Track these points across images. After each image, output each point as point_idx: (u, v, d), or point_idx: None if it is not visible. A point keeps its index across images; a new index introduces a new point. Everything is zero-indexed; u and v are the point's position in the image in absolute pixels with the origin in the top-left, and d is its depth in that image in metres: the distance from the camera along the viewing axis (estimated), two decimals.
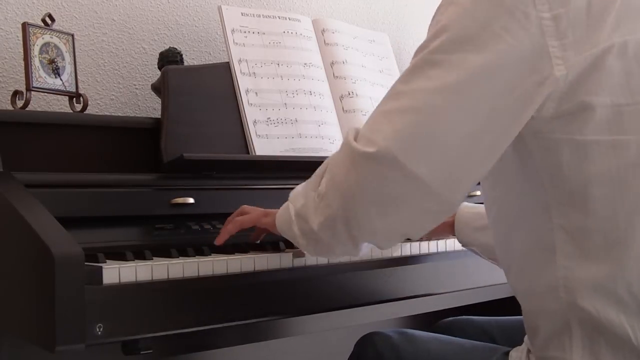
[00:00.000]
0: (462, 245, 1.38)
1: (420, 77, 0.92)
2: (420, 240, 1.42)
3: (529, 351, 1.05)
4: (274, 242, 1.31)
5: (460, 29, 0.90)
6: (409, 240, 1.38)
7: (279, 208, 1.13)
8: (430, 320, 1.52)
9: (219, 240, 1.24)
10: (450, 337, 1.23)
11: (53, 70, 1.44)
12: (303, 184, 1.09)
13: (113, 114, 1.71)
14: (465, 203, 1.37)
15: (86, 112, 1.49)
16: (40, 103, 1.58)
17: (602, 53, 0.89)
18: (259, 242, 1.30)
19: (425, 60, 0.92)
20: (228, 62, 1.57)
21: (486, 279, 1.53)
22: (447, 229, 1.37)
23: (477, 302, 1.80)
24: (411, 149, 0.91)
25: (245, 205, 1.28)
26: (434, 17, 0.95)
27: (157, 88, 1.55)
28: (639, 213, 0.91)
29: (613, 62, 0.90)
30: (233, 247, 1.26)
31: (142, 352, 1.07)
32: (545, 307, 0.97)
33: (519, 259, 1.01)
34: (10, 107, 1.44)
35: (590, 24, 0.90)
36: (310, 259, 1.26)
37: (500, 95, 0.90)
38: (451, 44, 0.90)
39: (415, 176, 0.91)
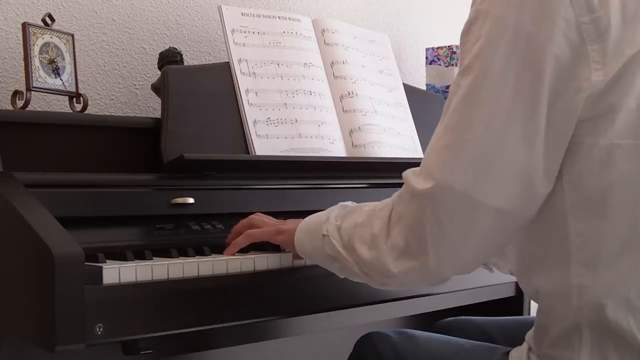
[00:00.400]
0: None
1: (473, 105, 0.91)
2: None
3: (529, 350, 1.05)
4: None
5: (505, 46, 0.89)
6: None
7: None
8: (430, 320, 1.52)
9: (228, 252, 1.23)
10: (449, 337, 1.23)
11: (53, 70, 1.44)
12: (347, 216, 1.07)
13: (113, 114, 1.71)
14: None
15: (86, 112, 1.49)
16: (40, 103, 1.58)
17: (635, 56, 0.89)
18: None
19: (474, 85, 0.91)
20: (228, 62, 1.57)
21: (486, 279, 1.53)
22: None
23: (477, 302, 1.80)
24: (480, 182, 0.91)
25: (253, 216, 1.27)
26: (469, 28, 0.94)
27: (157, 88, 1.55)
28: None
29: None
30: None
31: (142, 352, 1.07)
32: (557, 309, 0.97)
33: (534, 263, 1.01)
34: (10, 107, 1.44)
35: (625, 26, 0.89)
36: None
37: (551, 111, 0.89)
38: (497, 63, 0.90)
39: (488, 206, 0.91)
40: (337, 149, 1.64)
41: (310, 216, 1.14)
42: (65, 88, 1.46)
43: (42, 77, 1.41)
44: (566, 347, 0.97)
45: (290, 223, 1.19)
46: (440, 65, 2.21)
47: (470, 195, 0.91)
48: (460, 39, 0.95)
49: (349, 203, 1.12)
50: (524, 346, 1.06)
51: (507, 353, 1.09)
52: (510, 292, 1.89)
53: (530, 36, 0.88)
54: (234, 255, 1.22)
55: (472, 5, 0.95)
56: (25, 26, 1.40)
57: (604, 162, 0.91)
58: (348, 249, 1.05)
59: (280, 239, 1.20)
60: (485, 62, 0.90)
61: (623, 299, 0.92)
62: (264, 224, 1.24)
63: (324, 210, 1.14)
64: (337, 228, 1.07)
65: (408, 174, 0.98)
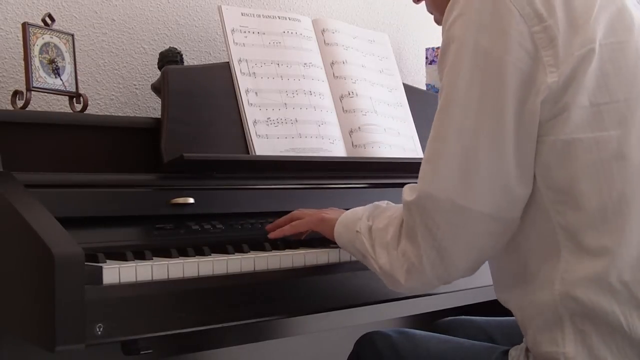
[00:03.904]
0: None
1: (445, 120, 0.99)
2: None
3: (527, 350, 1.05)
4: (274, 242, 1.31)
5: (467, 63, 0.98)
6: None
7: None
8: (430, 321, 1.52)
9: (275, 235, 1.31)
10: (449, 336, 1.23)
11: (53, 70, 1.44)
12: (377, 217, 1.13)
13: (113, 114, 1.71)
14: None
15: (86, 112, 1.49)
16: (40, 103, 1.58)
17: (583, 57, 0.96)
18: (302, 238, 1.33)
19: (445, 100, 0.99)
20: (228, 62, 1.57)
21: (486, 279, 1.53)
22: None
23: (477, 302, 1.80)
24: (461, 189, 0.98)
25: (294, 212, 1.32)
26: (442, 56, 1.01)
27: (157, 88, 1.55)
28: (626, 203, 0.96)
29: (593, 65, 0.96)
30: (233, 247, 1.26)
31: (142, 352, 1.07)
32: (538, 300, 1.00)
33: (522, 258, 1.03)
34: (10, 107, 1.44)
35: (571, 30, 0.97)
36: (310, 259, 1.26)
37: (519, 116, 0.96)
38: (462, 80, 0.98)
39: (474, 211, 0.98)
40: (337, 149, 1.64)
41: (350, 210, 1.21)
42: (65, 88, 1.46)
43: (42, 77, 1.42)
44: (550, 343, 0.99)
45: (332, 213, 1.26)
46: None
47: (454, 202, 0.98)
48: (437, 66, 1.04)
49: (383, 203, 1.18)
50: (523, 345, 1.07)
51: (506, 352, 1.09)
52: None
53: (487, 52, 0.96)
54: (233, 255, 1.23)
55: (442, 32, 1.03)
56: (25, 26, 1.40)
57: (566, 156, 0.97)
58: (373, 249, 1.11)
59: (321, 228, 1.27)
60: (452, 80, 0.99)
61: (605, 285, 0.95)
62: (308, 215, 1.30)
63: None
64: (368, 228, 1.13)
65: (405, 187, 1.05)
